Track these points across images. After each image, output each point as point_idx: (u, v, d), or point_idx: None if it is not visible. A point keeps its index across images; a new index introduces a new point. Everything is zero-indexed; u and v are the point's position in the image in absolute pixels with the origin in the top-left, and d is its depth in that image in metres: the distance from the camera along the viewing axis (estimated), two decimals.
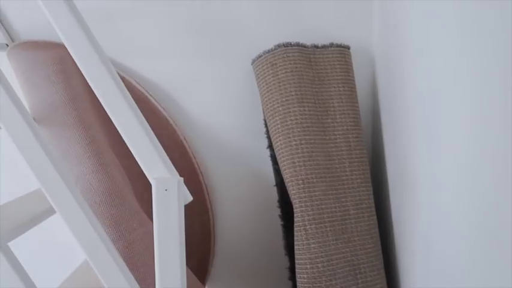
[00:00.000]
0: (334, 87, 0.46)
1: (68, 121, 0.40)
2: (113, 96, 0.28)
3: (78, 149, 0.39)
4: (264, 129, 0.47)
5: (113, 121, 0.29)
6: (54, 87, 0.41)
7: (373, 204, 0.44)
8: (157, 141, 0.30)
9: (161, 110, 0.48)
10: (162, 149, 0.30)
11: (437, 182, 0.31)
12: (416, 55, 0.34)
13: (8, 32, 0.45)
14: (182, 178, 0.29)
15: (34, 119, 0.41)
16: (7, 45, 0.45)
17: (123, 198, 0.38)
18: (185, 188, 0.30)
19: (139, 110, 0.30)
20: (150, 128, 0.30)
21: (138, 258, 0.36)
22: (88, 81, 0.28)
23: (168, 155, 0.47)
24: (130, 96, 0.30)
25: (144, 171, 0.29)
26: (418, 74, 0.34)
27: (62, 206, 0.28)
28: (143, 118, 0.30)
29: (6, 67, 0.44)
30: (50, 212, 0.34)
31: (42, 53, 0.44)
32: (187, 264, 0.43)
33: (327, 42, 0.47)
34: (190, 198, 0.30)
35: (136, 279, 0.35)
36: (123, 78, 0.46)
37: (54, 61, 0.43)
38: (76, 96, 0.42)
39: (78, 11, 0.29)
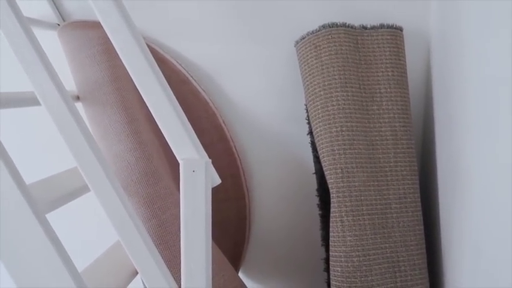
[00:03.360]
0: (383, 71, 0.43)
1: (109, 100, 0.41)
2: (144, 74, 0.28)
3: (118, 128, 0.40)
4: (305, 115, 0.45)
5: (145, 99, 0.28)
6: (99, 66, 0.42)
7: (419, 199, 0.41)
8: (188, 122, 0.29)
9: (201, 92, 0.47)
10: (192, 130, 0.29)
11: (492, 182, 0.27)
12: (479, 40, 0.30)
13: (60, 12, 0.47)
14: (210, 160, 0.29)
15: (79, 98, 0.43)
16: (58, 24, 0.47)
17: (159, 178, 0.38)
18: (213, 170, 0.29)
19: (171, 90, 0.29)
20: (181, 109, 0.30)
21: (170, 237, 0.36)
22: (120, 57, 0.28)
23: (206, 138, 0.47)
24: (162, 75, 0.30)
25: (174, 152, 0.29)
26: (479, 61, 0.30)
27: (95, 184, 0.29)
28: (174, 98, 0.29)
29: (57, 47, 0.46)
30: (88, 188, 0.35)
31: (89, 33, 0.45)
32: (222, 247, 0.43)
33: (377, 23, 0.43)
34: (218, 180, 0.29)
35: (167, 259, 0.35)
36: (165, 59, 0.47)
37: (99, 41, 0.44)
38: (119, 76, 0.42)
39: None
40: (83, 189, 0.34)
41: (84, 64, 0.43)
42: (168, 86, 0.30)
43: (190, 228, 0.27)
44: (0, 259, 0.25)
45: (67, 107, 0.29)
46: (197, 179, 0.27)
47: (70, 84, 0.44)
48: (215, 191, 0.41)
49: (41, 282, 0.27)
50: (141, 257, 0.29)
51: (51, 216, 0.29)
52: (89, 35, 0.44)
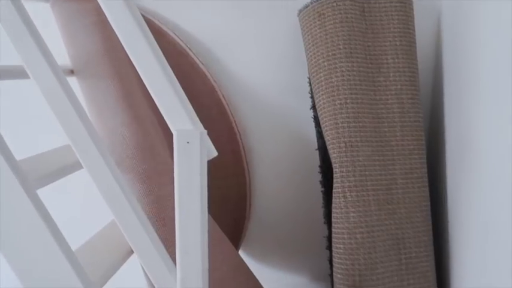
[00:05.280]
0: (390, 41, 0.41)
1: (103, 73, 0.39)
2: (136, 42, 0.26)
3: (112, 102, 0.38)
4: (308, 89, 0.43)
5: (137, 68, 0.27)
6: (92, 38, 0.41)
7: (426, 175, 0.40)
8: (182, 92, 0.28)
9: (200, 65, 0.46)
10: (187, 100, 0.28)
11: (502, 159, 0.26)
12: (494, 4, 0.28)
13: None
14: (206, 131, 0.27)
15: (73, 71, 0.41)
16: None
17: (156, 153, 0.37)
18: (209, 141, 0.28)
19: (165, 60, 0.28)
20: (175, 78, 0.28)
21: (166, 214, 0.35)
22: (112, 25, 0.27)
23: (206, 113, 0.45)
24: (156, 44, 0.28)
25: (167, 123, 0.27)
26: (493, 30, 0.28)
27: (87, 160, 0.28)
28: (169, 67, 0.28)
29: (51, 19, 0.45)
30: (80, 165, 0.34)
31: (81, 4, 0.43)
32: (221, 225, 0.42)
33: None
34: (214, 153, 0.28)
35: (164, 236, 0.34)
36: (162, 31, 0.45)
37: (93, 12, 0.42)
38: (113, 48, 0.41)
39: None
40: (76, 166, 0.33)
41: (77, 36, 0.41)
42: (162, 55, 0.29)
43: (184, 202, 0.26)
44: None
45: (57, 79, 0.27)
46: (192, 150, 0.25)
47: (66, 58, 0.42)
48: (214, 167, 0.40)
49: (32, 260, 0.26)
50: (136, 235, 0.28)
51: (44, 194, 0.28)
52: (81, 6, 0.43)
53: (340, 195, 0.37)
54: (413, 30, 0.41)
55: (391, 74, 0.40)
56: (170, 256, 0.30)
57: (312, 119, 0.44)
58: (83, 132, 0.26)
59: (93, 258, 0.32)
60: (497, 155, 0.27)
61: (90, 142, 0.26)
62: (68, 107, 0.25)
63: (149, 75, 0.26)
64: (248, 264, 0.42)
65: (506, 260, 0.25)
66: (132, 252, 0.35)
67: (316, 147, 0.45)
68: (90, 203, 0.39)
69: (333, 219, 0.38)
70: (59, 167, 0.32)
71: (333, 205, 0.38)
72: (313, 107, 0.43)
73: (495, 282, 0.27)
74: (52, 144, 0.37)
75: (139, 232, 0.28)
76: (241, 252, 0.56)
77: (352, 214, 0.36)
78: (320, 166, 0.45)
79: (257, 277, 0.43)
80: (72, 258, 0.27)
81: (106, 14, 0.29)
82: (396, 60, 0.40)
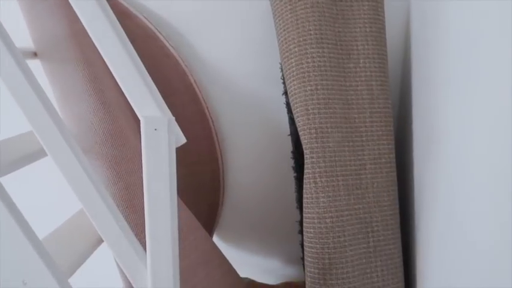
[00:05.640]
0: (360, 27, 0.41)
1: (69, 56, 0.38)
2: (97, 23, 0.25)
3: (79, 87, 0.37)
4: (280, 75, 0.43)
5: (100, 52, 0.26)
6: (57, 19, 0.39)
7: (394, 160, 0.41)
8: (149, 77, 0.27)
9: (171, 49, 0.45)
10: (153, 85, 0.27)
11: (467, 143, 0.26)
12: None
13: None
14: (174, 117, 0.27)
15: (36, 54, 0.39)
16: None
17: (125, 139, 0.36)
18: (178, 128, 0.27)
19: (129, 41, 0.27)
20: (141, 63, 0.27)
21: (137, 201, 0.35)
22: (71, 3, 0.26)
23: (177, 99, 0.45)
24: (120, 27, 0.27)
25: (134, 109, 0.27)
26: (459, 15, 0.29)
27: (52, 147, 0.27)
28: (134, 52, 0.27)
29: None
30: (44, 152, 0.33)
31: None
32: (195, 211, 0.42)
33: None
34: (183, 140, 0.28)
35: (134, 222, 0.34)
36: (129, 13, 0.43)
37: None
38: (79, 30, 0.39)
39: None
40: (41, 153, 0.32)
41: (41, 18, 0.40)
42: (127, 39, 0.28)
43: (153, 189, 0.25)
44: None
45: (15, 62, 0.26)
46: (159, 137, 0.25)
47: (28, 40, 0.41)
48: (187, 154, 0.39)
49: None
50: (105, 223, 0.28)
51: (7, 182, 0.27)
52: None
53: (311, 180, 0.38)
54: (383, 16, 0.42)
55: (361, 61, 0.41)
56: (141, 242, 0.30)
57: (285, 105, 0.44)
58: (46, 119, 0.25)
59: (61, 247, 0.31)
60: (461, 139, 0.28)
61: (54, 128, 0.26)
62: (29, 92, 0.24)
63: (114, 60, 0.26)
64: (222, 249, 0.43)
65: (467, 238, 0.26)
66: (102, 240, 0.35)
67: (289, 133, 0.45)
68: (59, 191, 0.38)
69: (304, 205, 0.38)
70: (23, 154, 0.31)
71: (304, 190, 0.38)
72: (285, 93, 0.43)
73: (456, 266, 0.28)
74: (15, 131, 0.36)
75: (107, 220, 0.28)
76: (215, 238, 0.57)
77: (322, 199, 0.37)
78: (292, 152, 0.45)
79: (231, 262, 0.43)
80: (39, 247, 0.26)
81: None
82: (366, 46, 0.41)
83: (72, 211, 0.38)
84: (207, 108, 0.47)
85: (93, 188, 0.27)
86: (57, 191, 0.46)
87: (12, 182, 0.29)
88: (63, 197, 0.37)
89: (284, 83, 0.43)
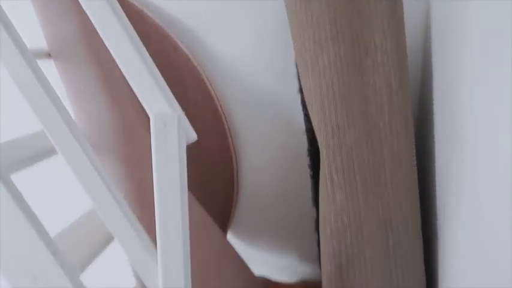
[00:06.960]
0: (378, 22, 0.40)
1: (82, 56, 0.38)
2: (107, 21, 0.25)
3: (92, 85, 0.37)
4: (295, 72, 0.43)
5: (109, 49, 0.26)
6: (70, 19, 0.39)
7: (414, 157, 0.39)
8: (159, 73, 0.27)
9: (182, 47, 0.44)
10: (163, 81, 0.27)
11: (493, 141, 0.25)
12: None
13: None
14: (184, 113, 0.26)
15: (50, 55, 0.40)
16: None
17: (137, 136, 0.36)
18: (188, 124, 0.27)
19: (139, 39, 0.27)
20: (151, 60, 0.27)
21: (148, 197, 0.34)
22: (81, 3, 0.25)
23: (190, 96, 0.44)
24: (130, 26, 0.27)
25: (144, 106, 0.26)
26: (486, 10, 0.27)
27: (62, 145, 0.27)
28: (144, 49, 0.27)
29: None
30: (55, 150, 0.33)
31: None
32: (209, 209, 0.41)
33: None
34: (194, 136, 0.27)
35: (146, 218, 0.34)
36: (142, 13, 0.43)
37: None
38: (92, 29, 0.39)
39: None
40: (52, 151, 0.32)
41: (54, 19, 0.40)
42: (136, 35, 0.27)
43: (163, 186, 0.25)
44: None
45: (26, 63, 0.26)
46: (169, 134, 0.25)
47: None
48: (200, 151, 0.39)
49: (9, 247, 0.25)
50: (115, 220, 0.28)
51: (19, 180, 0.27)
52: None
53: (327, 178, 0.37)
54: (402, 10, 0.40)
55: (379, 56, 0.39)
56: (153, 239, 0.29)
57: (300, 102, 0.44)
58: (56, 117, 0.25)
59: (72, 244, 0.31)
60: (488, 137, 0.26)
61: (64, 127, 0.25)
62: (39, 91, 0.24)
63: (123, 57, 0.25)
64: (237, 247, 0.42)
65: (494, 241, 0.25)
66: (112, 238, 0.34)
67: (304, 130, 0.44)
68: (70, 189, 0.38)
69: (319, 202, 0.38)
70: (34, 152, 0.31)
71: (320, 188, 0.37)
72: (301, 90, 0.42)
73: (482, 272, 0.27)
74: (27, 130, 0.36)
75: (118, 217, 0.27)
76: (229, 236, 0.56)
77: (338, 197, 0.36)
78: (308, 149, 0.45)
79: (245, 259, 0.43)
80: (50, 244, 0.26)
81: None
82: (384, 41, 0.39)
83: (83, 209, 0.38)
84: (220, 105, 0.47)
85: (103, 186, 0.26)
86: (67, 190, 0.46)
87: (24, 181, 0.29)
88: (74, 195, 0.37)
89: (299, 80, 0.42)
